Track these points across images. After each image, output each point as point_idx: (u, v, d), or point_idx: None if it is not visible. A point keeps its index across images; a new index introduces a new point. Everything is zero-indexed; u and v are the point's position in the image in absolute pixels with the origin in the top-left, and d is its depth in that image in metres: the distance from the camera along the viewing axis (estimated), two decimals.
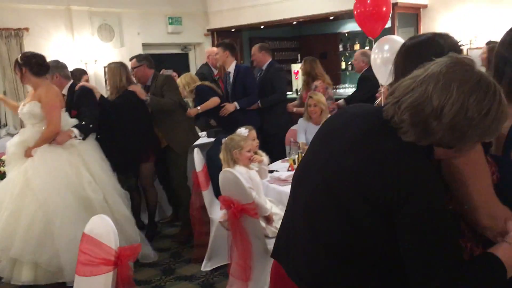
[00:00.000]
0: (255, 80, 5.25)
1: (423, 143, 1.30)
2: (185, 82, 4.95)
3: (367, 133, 1.40)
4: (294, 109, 5.59)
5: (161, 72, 5.13)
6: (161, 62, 5.00)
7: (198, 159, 3.90)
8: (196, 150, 3.98)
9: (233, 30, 8.43)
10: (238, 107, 4.96)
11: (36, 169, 3.52)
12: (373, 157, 1.33)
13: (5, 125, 6.12)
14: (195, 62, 8.45)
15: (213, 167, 4.45)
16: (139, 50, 7.19)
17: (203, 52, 8.41)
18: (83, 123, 3.82)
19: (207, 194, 3.90)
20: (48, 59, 6.30)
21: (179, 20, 7.92)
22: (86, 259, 2.18)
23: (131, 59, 4.64)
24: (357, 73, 5.95)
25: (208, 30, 8.45)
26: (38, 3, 6.31)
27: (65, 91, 4.03)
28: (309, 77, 5.49)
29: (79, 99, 3.96)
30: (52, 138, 3.63)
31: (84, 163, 3.74)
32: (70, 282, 3.31)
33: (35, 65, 3.63)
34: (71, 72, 4.51)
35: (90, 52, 6.70)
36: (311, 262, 1.48)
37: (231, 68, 5.05)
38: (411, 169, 1.28)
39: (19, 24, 6.07)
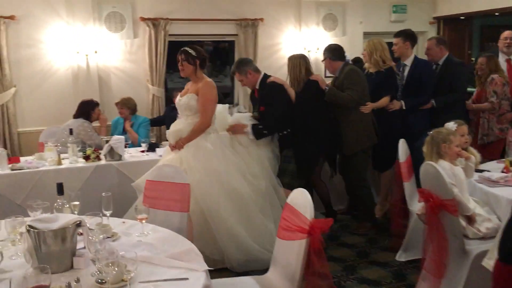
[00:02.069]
0: (432, 78, 4.79)
1: None
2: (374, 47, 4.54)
3: None
4: (474, 106, 5.12)
5: None
6: None
7: (402, 149, 3.90)
8: (401, 140, 3.98)
9: (462, 17, 7.88)
10: (404, 107, 4.66)
11: (190, 166, 3.70)
12: None
13: (237, 104, 6.98)
14: (417, 51, 8.20)
15: (419, 159, 4.37)
16: (360, 39, 7.37)
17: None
18: (259, 126, 4.09)
19: (409, 186, 3.88)
20: (277, 48, 6.84)
21: (404, 7, 7.78)
22: (286, 225, 2.50)
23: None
24: None
25: (434, 18, 8.08)
26: None
27: (257, 85, 4.31)
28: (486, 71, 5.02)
29: (267, 96, 4.17)
30: (202, 131, 3.79)
31: (234, 157, 3.97)
32: (231, 268, 3.71)
33: (203, 59, 3.80)
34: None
35: (313, 41, 7.15)
36: None
37: (408, 61, 4.75)
38: None
39: (255, 15, 6.84)
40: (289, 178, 4.17)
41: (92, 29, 6.06)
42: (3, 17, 5.61)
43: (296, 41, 7.14)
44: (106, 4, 6.15)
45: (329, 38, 7.31)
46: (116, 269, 1.86)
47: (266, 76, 4.29)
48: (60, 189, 2.40)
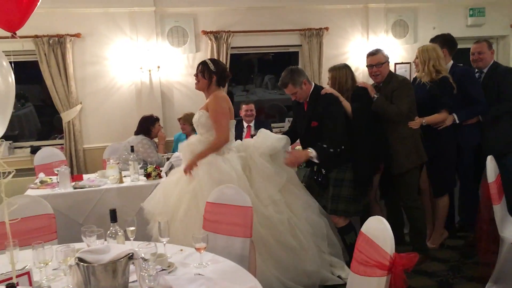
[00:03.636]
0: (479, 84, 4.26)
1: None
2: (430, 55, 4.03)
3: None
4: None
5: None
6: (457, 58, 4.45)
7: (491, 167, 3.44)
8: (489, 158, 3.52)
9: None
10: (457, 121, 4.12)
11: (202, 182, 3.41)
12: None
13: None
14: (497, 57, 7.56)
15: (508, 179, 3.88)
16: None
17: (508, 46, 7.47)
18: (324, 145, 3.59)
19: (499, 209, 3.41)
20: (344, 57, 6.49)
21: (482, 11, 7.19)
22: (361, 258, 2.17)
23: (370, 55, 4.05)
24: None
25: None
26: (339, 3, 6.68)
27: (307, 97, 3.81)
28: None
29: (325, 109, 3.66)
30: (219, 148, 3.52)
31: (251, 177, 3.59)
32: None
33: (223, 76, 3.62)
34: None
35: (383, 49, 6.74)
36: None
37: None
38: None
39: (320, 24, 6.56)
40: (344, 204, 3.71)
41: (155, 45, 6.04)
42: (69, 35, 5.70)
43: (363, 50, 6.75)
44: (168, 18, 6.11)
45: (399, 45, 6.89)
46: None
47: (317, 87, 3.82)
48: (113, 216, 2.23)
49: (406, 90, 3.89)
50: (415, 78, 4.28)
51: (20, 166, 5.62)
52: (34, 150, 5.64)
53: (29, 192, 4.06)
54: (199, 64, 3.65)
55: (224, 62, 6.13)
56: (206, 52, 6.23)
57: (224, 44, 6.15)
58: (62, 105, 5.78)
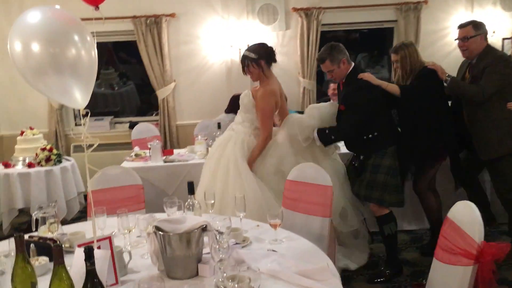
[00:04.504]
0: None
1: None
2: None
3: None
4: None
5: None
6: None
7: None
8: None
9: None
10: None
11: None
12: None
13: None
14: None
15: None
16: None
17: None
18: (326, 131, 3.51)
19: None
20: (443, 33, 5.99)
21: None
22: (446, 246, 2.02)
23: (459, 27, 3.71)
24: None
25: None
26: None
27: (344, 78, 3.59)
28: None
29: (352, 96, 3.47)
30: (266, 145, 3.51)
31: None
32: None
33: (268, 54, 3.53)
34: None
35: (488, 23, 6.12)
36: None
37: None
38: None
39: None
40: (379, 192, 3.46)
41: (245, 23, 6.07)
42: (165, 15, 5.90)
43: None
44: None
45: (508, 18, 6.26)
46: (237, 284, 1.64)
47: (356, 69, 3.56)
48: (191, 188, 2.28)
49: (500, 68, 3.51)
50: None
51: (119, 140, 6.00)
52: (132, 126, 5.98)
53: (124, 164, 4.32)
54: (241, 61, 3.60)
55: (314, 40, 6.01)
56: (295, 29, 6.14)
57: (314, 21, 6.01)
58: (158, 83, 6.05)
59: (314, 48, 6.05)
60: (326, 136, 3.52)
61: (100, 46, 6.52)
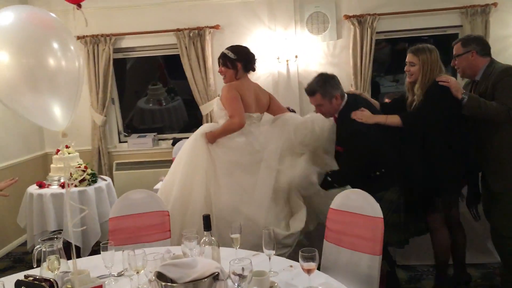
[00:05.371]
0: None
1: None
2: None
3: None
4: None
5: None
6: None
7: None
8: None
9: None
10: None
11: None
12: None
13: None
14: None
15: None
16: None
17: None
18: (328, 178, 3.15)
19: None
20: None
21: None
22: None
23: (455, 43, 3.25)
24: None
25: None
26: None
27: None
28: None
29: (347, 139, 3.09)
30: (234, 131, 3.26)
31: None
32: None
33: (248, 60, 3.48)
34: None
35: None
36: None
37: None
38: None
39: (487, 0, 5.54)
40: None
41: (293, 33, 5.70)
42: (208, 27, 5.65)
43: None
44: (308, 4, 5.71)
45: None
46: None
47: (349, 106, 3.10)
48: (207, 222, 1.92)
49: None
50: None
51: (162, 157, 5.78)
52: (175, 142, 5.75)
53: (159, 184, 4.05)
54: (218, 58, 3.50)
55: (368, 49, 5.54)
56: (348, 38, 5.70)
57: (368, 29, 5.55)
58: (201, 97, 5.80)
59: (368, 58, 5.58)
60: (328, 184, 3.15)
61: (151, 60, 6.40)
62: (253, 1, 5.74)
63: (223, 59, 3.43)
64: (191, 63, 5.69)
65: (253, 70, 3.52)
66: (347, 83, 5.78)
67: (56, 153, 4.31)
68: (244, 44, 5.72)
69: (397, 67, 7.23)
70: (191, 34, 5.63)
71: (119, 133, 6.15)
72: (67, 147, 4.37)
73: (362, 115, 3.04)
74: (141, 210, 2.86)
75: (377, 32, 5.63)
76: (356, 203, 2.50)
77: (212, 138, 3.32)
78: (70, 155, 4.26)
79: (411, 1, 5.62)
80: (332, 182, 3.14)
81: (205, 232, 1.92)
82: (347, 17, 5.63)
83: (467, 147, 3.15)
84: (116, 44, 5.77)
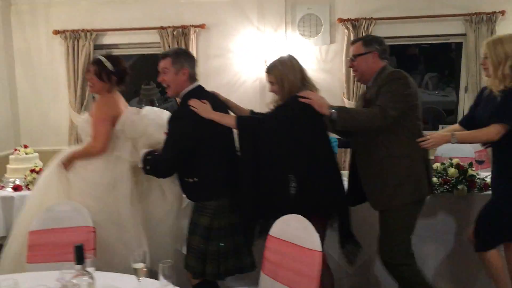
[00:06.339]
0: None
1: None
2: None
3: None
4: None
5: None
6: None
7: None
8: None
9: None
10: None
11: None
12: None
13: None
14: None
15: None
16: None
17: None
18: (148, 156, 2.72)
19: None
20: None
21: None
22: None
23: (353, 42, 2.96)
24: None
25: None
26: None
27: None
28: None
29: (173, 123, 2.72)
30: (93, 156, 2.88)
31: None
32: None
33: (123, 76, 3.02)
34: None
35: None
36: None
37: None
38: None
39: (493, 6, 5.08)
40: (194, 259, 2.65)
41: (283, 36, 5.37)
42: (193, 26, 5.35)
43: None
44: (301, 6, 5.37)
45: None
46: None
47: (198, 92, 2.77)
48: (79, 254, 1.58)
49: (398, 85, 2.66)
50: (483, 88, 2.94)
51: None
52: None
53: None
54: (90, 64, 3.04)
55: None
56: (341, 43, 5.33)
57: (363, 34, 5.17)
58: None
59: None
60: (144, 162, 2.73)
61: (145, 59, 6.14)
62: (242, 0, 5.42)
63: (98, 67, 2.94)
64: None
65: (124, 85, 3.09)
66: (339, 91, 5.45)
67: (13, 152, 4.05)
68: (230, 45, 5.48)
69: None
70: (174, 33, 5.34)
71: None
72: (25, 146, 4.10)
73: (200, 105, 2.64)
74: (65, 224, 2.56)
75: None
76: (296, 231, 2.16)
77: (68, 161, 2.92)
78: (28, 155, 3.99)
79: (411, 6, 5.24)
80: (146, 163, 2.72)
81: (76, 265, 1.59)
82: (341, 20, 5.27)
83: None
84: (97, 40, 5.51)
